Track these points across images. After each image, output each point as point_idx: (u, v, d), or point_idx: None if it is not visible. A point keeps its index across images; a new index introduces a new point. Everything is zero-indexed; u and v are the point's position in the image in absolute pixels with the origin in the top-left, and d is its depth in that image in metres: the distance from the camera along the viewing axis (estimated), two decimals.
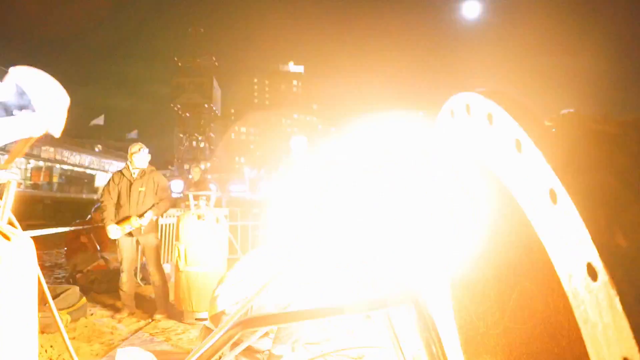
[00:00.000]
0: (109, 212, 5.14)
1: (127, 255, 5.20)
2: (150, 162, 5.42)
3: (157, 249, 5.48)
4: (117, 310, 5.40)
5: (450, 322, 2.08)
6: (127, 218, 5.08)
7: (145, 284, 7.12)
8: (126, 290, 5.19)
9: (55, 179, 47.36)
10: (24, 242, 1.56)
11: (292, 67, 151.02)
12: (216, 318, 3.16)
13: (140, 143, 5.50)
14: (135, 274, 7.31)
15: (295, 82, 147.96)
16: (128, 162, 5.36)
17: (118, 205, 5.20)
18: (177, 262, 4.88)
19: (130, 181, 5.24)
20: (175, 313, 5.05)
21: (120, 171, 5.39)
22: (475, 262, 1.93)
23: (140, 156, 5.28)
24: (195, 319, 4.72)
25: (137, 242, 5.30)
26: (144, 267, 7.44)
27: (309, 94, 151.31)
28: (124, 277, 5.18)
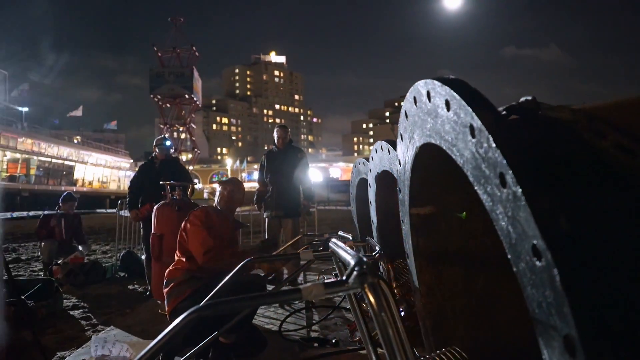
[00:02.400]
0: (133, 197, 5.94)
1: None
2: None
3: None
4: (93, 302, 5.37)
5: (418, 306, 2.11)
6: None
7: (124, 276, 7.08)
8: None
9: (32, 171, 46.46)
10: None
11: (274, 58, 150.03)
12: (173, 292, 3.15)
13: (161, 136, 6.28)
14: (113, 266, 7.27)
15: (277, 73, 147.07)
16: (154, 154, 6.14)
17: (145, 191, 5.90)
18: (153, 252, 4.85)
19: (154, 169, 5.95)
20: (153, 304, 5.03)
21: (150, 160, 6.15)
22: (441, 246, 1.96)
23: (160, 148, 6.05)
24: None
25: None
26: (124, 258, 7.39)
27: (291, 85, 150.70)
28: None
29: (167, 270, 3.30)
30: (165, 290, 3.22)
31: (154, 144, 6.21)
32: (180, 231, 3.34)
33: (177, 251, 3.33)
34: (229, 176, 59.38)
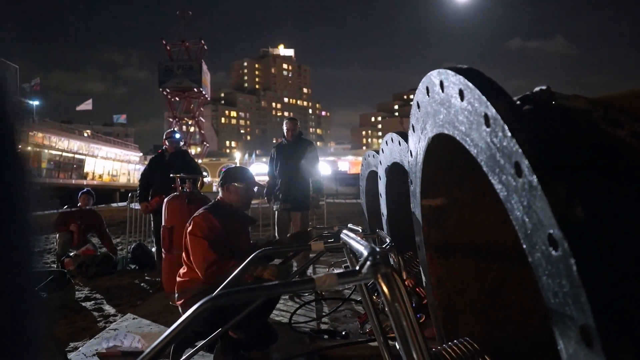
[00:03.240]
0: (143, 190, 6.15)
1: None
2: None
3: None
4: (104, 294, 5.42)
5: (429, 297, 2.11)
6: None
7: (135, 268, 7.13)
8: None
9: (43, 165, 46.85)
10: None
11: (282, 51, 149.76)
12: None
13: (170, 130, 6.51)
14: (124, 259, 7.32)
15: (285, 66, 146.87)
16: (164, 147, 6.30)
17: (155, 183, 6.07)
18: (164, 245, 4.88)
19: (164, 162, 6.10)
20: (163, 296, 5.07)
21: (161, 153, 6.31)
22: (452, 238, 1.95)
23: (169, 141, 6.23)
24: None
25: None
26: (134, 250, 7.43)
27: (299, 78, 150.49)
28: None
29: (179, 280, 3.21)
30: (178, 302, 3.16)
31: (164, 137, 6.34)
32: (184, 233, 3.21)
33: (183, 256, 3.21)
34: None
